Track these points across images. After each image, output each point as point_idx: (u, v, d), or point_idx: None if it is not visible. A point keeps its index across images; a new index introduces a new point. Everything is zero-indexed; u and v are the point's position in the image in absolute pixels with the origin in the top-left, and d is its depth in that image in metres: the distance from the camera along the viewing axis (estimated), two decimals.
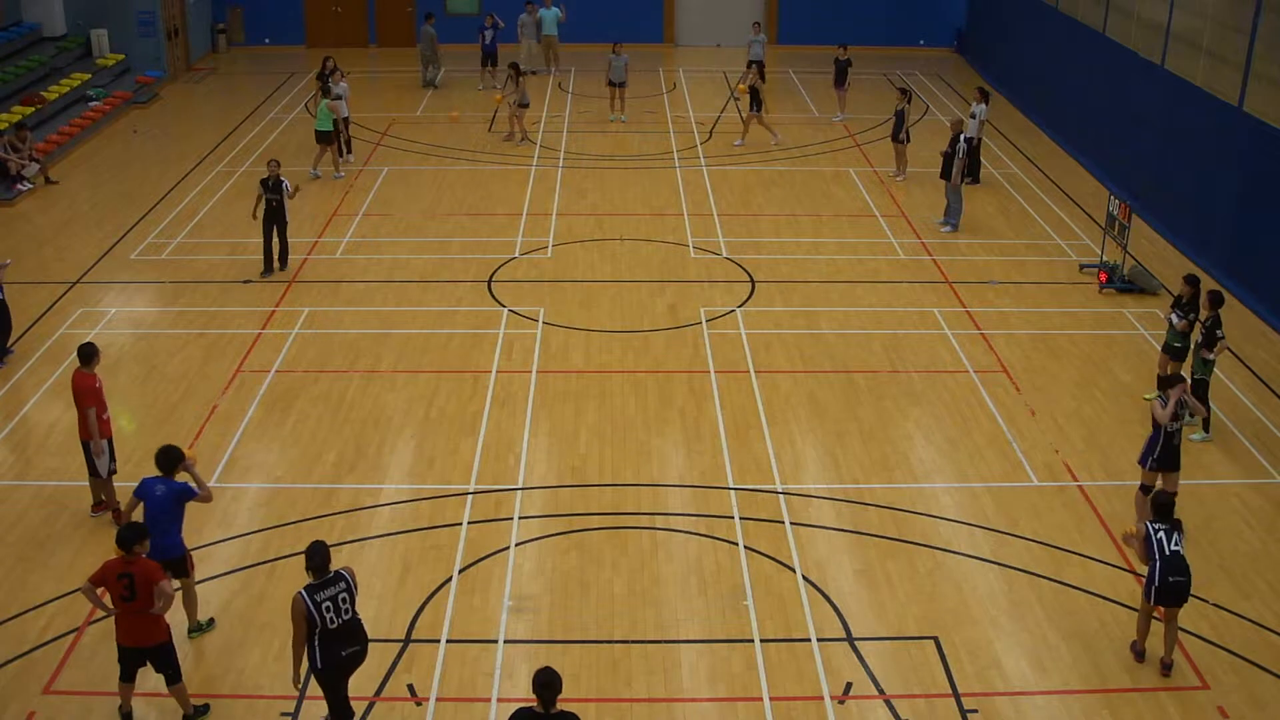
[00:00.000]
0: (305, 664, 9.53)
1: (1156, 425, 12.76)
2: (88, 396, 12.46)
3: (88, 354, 12.64)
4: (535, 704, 8.34)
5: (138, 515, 10.98)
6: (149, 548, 9.95)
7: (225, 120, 28.23)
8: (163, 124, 28.32)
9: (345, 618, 9.41)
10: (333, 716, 9.70)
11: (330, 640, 9.39)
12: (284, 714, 10.26)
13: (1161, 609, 10.87)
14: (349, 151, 24.98)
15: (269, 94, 30.53)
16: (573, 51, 33.52)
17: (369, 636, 9.64)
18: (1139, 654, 11.05)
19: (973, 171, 23.52)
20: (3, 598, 11.71)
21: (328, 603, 9.32)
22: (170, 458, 10.96)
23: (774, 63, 33.55)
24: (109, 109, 28.09)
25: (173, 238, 20.92)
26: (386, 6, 35.87)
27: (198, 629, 11.20)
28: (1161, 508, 10.92)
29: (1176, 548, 10.71)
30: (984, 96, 24.20)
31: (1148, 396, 15.64)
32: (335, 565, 9.17)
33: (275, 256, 19.14)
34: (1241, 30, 19.33)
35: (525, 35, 32.40)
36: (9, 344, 16.49)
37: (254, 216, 19.14)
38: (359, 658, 9.64)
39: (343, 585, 9.40)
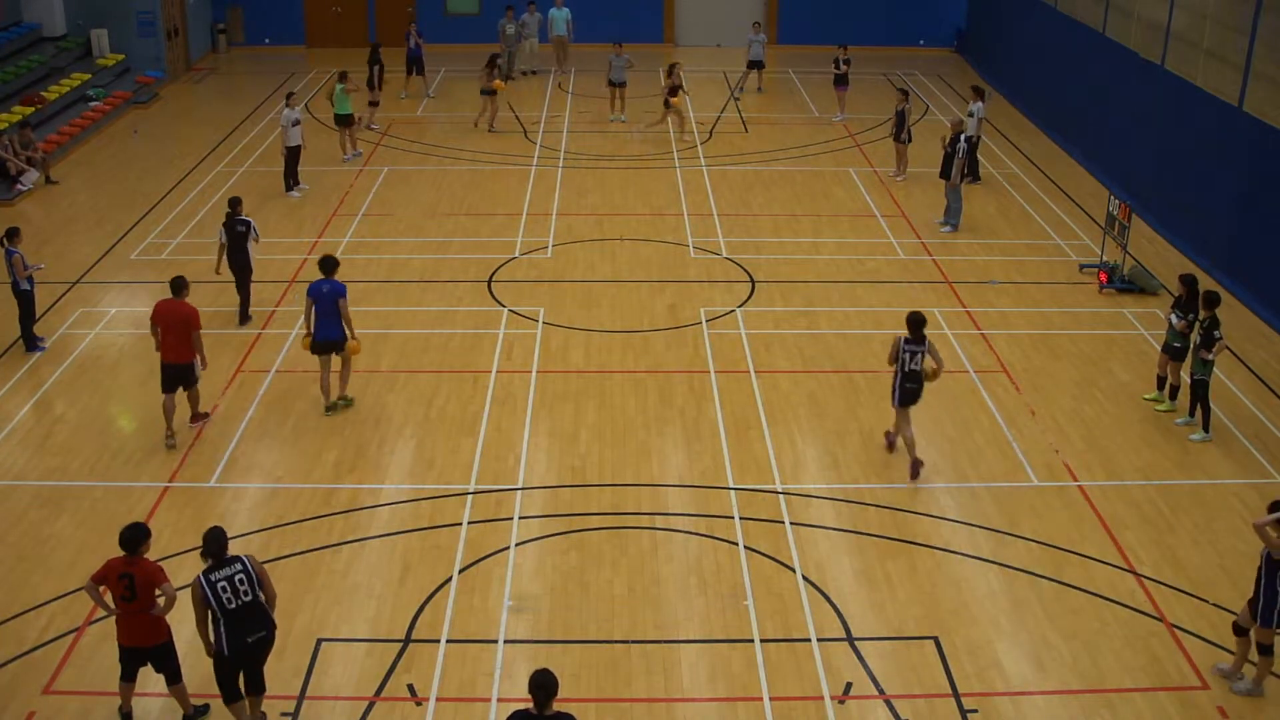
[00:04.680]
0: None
1: (1270, 565, 10.23)
2: (193, 320, 14.18)
3: (180, 284, 14.28)
4: (532, 705, 8.33)
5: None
6: (150, 547, 9.98)
7: (225, 120, 28.22)
8: (163, 124, 28.32)
9: (245, 599, 9.49)
10: (247, 689, 9.85)
11: (234, 624, 9.48)
12: (284, 714, 10.25)
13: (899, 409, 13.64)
14: (296, 184, 22.97)
15: (269, 94, 30.51)
16: (573, 51, 33.48)
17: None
18: (890, 444, 14.21)
19: (972, 170, 23.52)
20: (3, 598, 11.72)
21: (224, 583, 9.41)
22: (330, 262, 14.85)
23: (774, 63, 33.55)
24: (109, 109, 28.08)
25: (173, 238, 20.92)
26: (386, 6, 35.85)
27: (342, 403, 15.03)
28: (915, 325, 13.44)
29: (915, 367, 13.52)
30: (980, 94, 24.19)
31: (1147, 397, 15.66)
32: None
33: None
34: (1241, 30, 19.33)
35: (526, 34, 32.43)
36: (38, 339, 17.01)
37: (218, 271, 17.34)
38: (266, 643, 9.73)
39: (240, 567, 9.50)
